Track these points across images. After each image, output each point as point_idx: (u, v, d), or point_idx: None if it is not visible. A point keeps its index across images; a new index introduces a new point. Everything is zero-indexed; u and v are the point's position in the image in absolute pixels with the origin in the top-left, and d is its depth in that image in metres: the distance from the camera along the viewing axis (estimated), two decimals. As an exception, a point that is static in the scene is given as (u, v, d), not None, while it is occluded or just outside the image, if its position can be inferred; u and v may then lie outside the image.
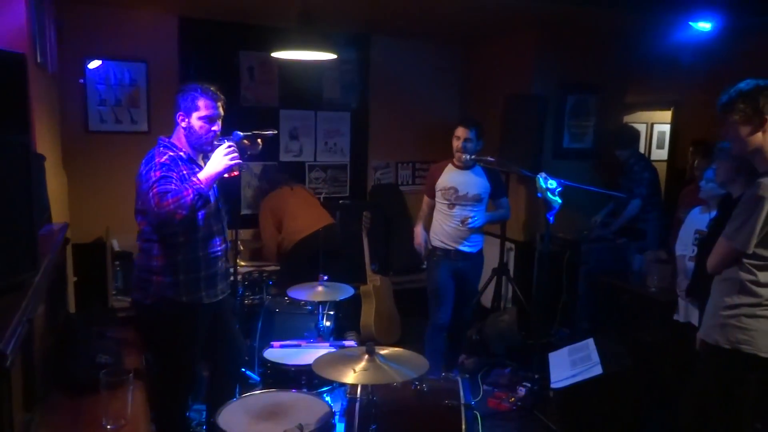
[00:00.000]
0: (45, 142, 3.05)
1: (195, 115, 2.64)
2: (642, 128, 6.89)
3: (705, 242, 3.02)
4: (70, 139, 4.33)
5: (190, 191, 2.43)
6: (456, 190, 3.87)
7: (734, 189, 2.84)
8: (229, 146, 2.56)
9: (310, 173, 5.44)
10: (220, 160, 2.53)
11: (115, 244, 4.32)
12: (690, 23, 4.00)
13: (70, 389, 2.20)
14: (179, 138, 2.69)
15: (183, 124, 2.66)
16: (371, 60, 5.52)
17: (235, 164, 2.55)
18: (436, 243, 3.95)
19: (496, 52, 5.47)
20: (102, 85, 4.57)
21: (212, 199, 2.71)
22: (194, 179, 2.51)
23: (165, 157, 2.57)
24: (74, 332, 2.63)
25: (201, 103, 2.63)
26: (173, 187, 2.46)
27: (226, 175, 2.57)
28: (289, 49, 3.46)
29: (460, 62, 5.89)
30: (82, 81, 4.50)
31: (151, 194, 2.43)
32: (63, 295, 2.99)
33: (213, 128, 2.68)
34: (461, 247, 3.92)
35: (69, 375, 2.26)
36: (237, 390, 3.15)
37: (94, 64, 4.53)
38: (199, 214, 2.61)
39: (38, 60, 2.85)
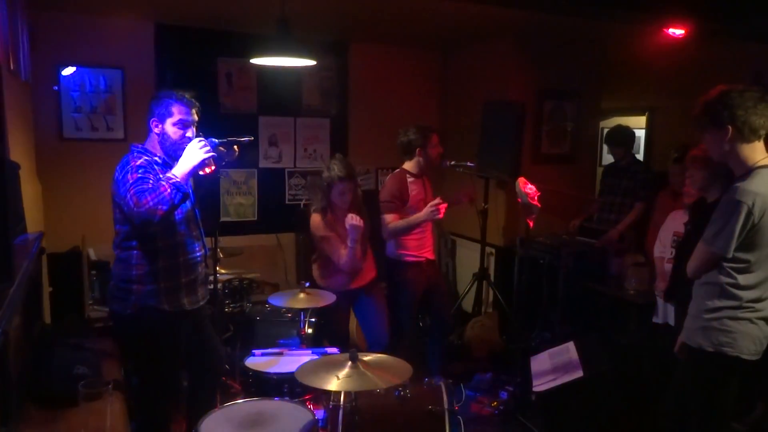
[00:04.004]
0: (19, 151, 3.00)
1: (169, 121, 2.63)
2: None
3: (681, 245, 3.07)
4: (45, 147, 4.25)
5: (167, 186, 2.43)
6: (424, 201, 3.88)
7: (710, 194, 2.89)
8: (200, 140, 2.54)
9: (290, 180, 5.42)
10: (194, 153, 2.51)
11: (92, 254, 4.25)
12: (663, 30, 4.07)
13: (46, 402, 2.16)
14: (153, 144, 2.68)
15: (156, 130, 2.65)
16: (350, 67, 5.53)
17: (209, 157, 2.53)
18: (407, 258, 3.90)
19: (474, 59, 5.52)
20: (77, 93, 4.51)
21: (189, 203, 2.70)
22: (169, 175, 2.50)
23: (140, 160, 2.56)
24: (50, 344, 2.59)
25: (175, 109, 2.63)
26: (150, 186, 2.44)
27: (201, 172, 2.55)
28: (267, 55, 3.45)
29: (438, 69, 5.92)
30: (56, 88, 4.43)
31: (129, 196, 2.42)
32: (38, 306, 2.95)
33: (187, 134, 2.67)
34: (429, 255, 3.97)
35: (45, 387, 2.22)
36: (218, 399, 3.12)
37: (68, 71, 4.46)
38: (177, 216, 2.60)
39: (11, 67, 2.80)
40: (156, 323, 2.62)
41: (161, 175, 2.56)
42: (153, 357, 2.68)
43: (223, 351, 3.19)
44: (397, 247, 3.91)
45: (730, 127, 2.29)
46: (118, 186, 2.51)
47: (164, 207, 2.40)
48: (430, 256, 4.00)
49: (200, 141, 2.54)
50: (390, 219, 3.81)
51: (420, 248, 3.92)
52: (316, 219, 3.66)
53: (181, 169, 2.51)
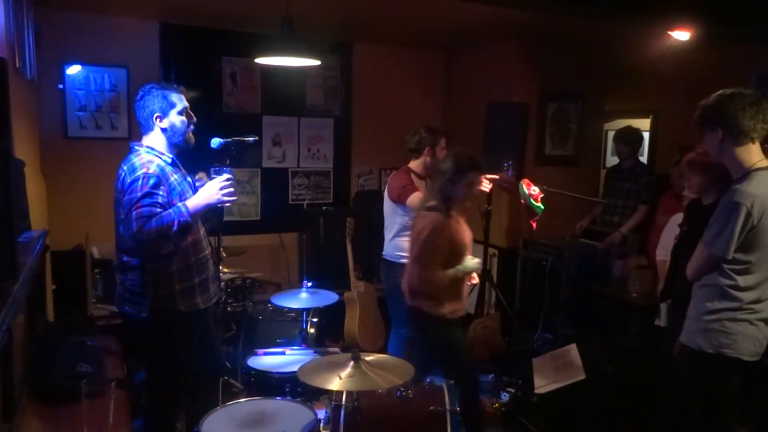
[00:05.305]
0: (23, 148, 3.01)
1: (173, 112, 2.59)
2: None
3: (677, 247, 3.07)
4: (49, 145, 4.27)
5: (174, 221, 2.38)
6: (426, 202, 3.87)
7: (707, 197, 2.89)
8: (228, 179, 2.52)
9: (293, 180, 5.43)
10: (215, 193, 2.49)
11: (95, 252, 4.26)
12: (668, 32, 4.06)
13: (49, 399, 2.17)
14: (156, 141, 2.61)
15: (162, 125, 2.59)
16: (354, 67, 5.53)
17: (229, 201, 2.53)
18: (403, 260, 3.78)
19: (478, 59, 5.51)
20: (81, 91, 4.52)
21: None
22: (181, 207, 2.45)
23: (153, 166, 2.47)
24: (53, 341, 2.59)
25: (175, 98, 2.60)
26: (158, 209, 2.39)
27: (218, 205, 2.56)
28: (271, 55, 3.45)
29: (442, 69, 5.92)
30: (61, 86, 4.45)
31: (134, 213, 2.35)
32: (42, 304, 2.95)
33: (192, 120, 2.65)
34: None
35: (49, 384, 2.22)
36: (220, 398, 3.12)
37: (73, 69, 4.47)
38: None
39: (17, 65, 2.81)
40: (171, 325, 2.60)
41: (174, 178, 2.54)
42: (167, 357, 2.66)
43: (222, 350, 3.17)
44: (396, 249, 3.90)
45: (720, 130, 2.32)
46: (125, 190, 2.43)
47: (164, 241, 2.40)
48: None
49: (225, 182, 2.51)
50: (420, 196, 3.68)
51: None
52: (442, 222, 3.10)
53: (196, 203, 2.48)
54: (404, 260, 3.84)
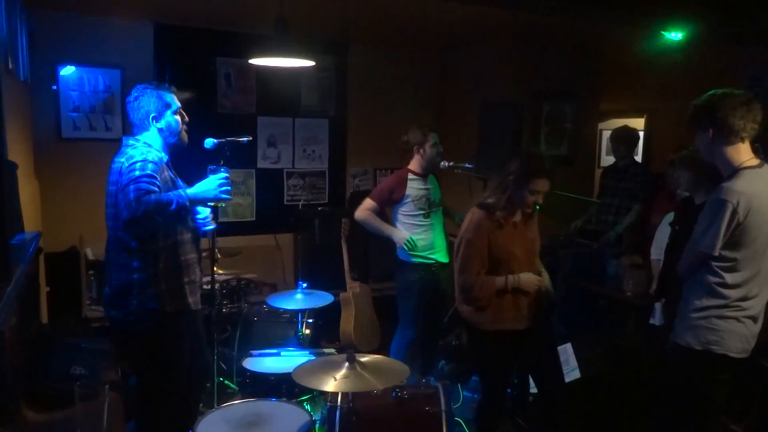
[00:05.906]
0: (16, 150, 3.00)
1: (169, 111, 2.61)
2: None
3: (669, 246, 3.09)
4: (43, 146, 4.25)
5: (173, 201, 2.37)
6: (428, 198, 3.89)
7: (698, 196, 2.90)
8: (225, 177, 2.53)
9: (289, 180, 5.42)
10: (213, 189, 2.50)
11: (89, 253, 4.24)
12: (662, 32, 4.07)
13: (43, 402, 2.16)
14: (152, 141, 2.62)
15: (159, 125, 2.60)
16: (349, 67, 5.53)
17: (225, 199, 2.53)
18: (415, 260, 3.86)
19: (473, 60, 5.52)
20: (75, 92, 4.50)
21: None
22: (181, 192, 2.45)
23: (152, 156, 2.50)
24: (47, 344, 2.58)
25: (169, 98, 2.62)
26: (156, 189, 2.39)
27: (211, 204, 2.57)
28: (266, 56, 3.44)
29: (437, 70, 5.92)
30: (54, 88, 4.43)
31: (133, 186, 2.34)
32: (35, 306, 2.94)
33: (185, 120, 2.67)
34: (440, 258, 3.93)
35: (42, 387, 2.21)
36: (215, 399, 3.11)
37: (67, 70, 4.46)
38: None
39: (10, 67, 2.80)
40: (159, 326, 2.58)
41: (166, 174, 2.54)
42: (156, 359, 2.64)
43: (210, 354, 3.11)
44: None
45: (711, 129, 2.35)
46: (122, 173, 2.41)
47: (160, 218, 2.38)
48: (442, 258, 3.94)
49: (223, 179, 2.52)
50: (369, 204, 3.87)
51: (428, 249, 3.89)
52: (483, 220, 2.84)
53: (194, 195, 2.48)
54: (416, 260, 3.85)
